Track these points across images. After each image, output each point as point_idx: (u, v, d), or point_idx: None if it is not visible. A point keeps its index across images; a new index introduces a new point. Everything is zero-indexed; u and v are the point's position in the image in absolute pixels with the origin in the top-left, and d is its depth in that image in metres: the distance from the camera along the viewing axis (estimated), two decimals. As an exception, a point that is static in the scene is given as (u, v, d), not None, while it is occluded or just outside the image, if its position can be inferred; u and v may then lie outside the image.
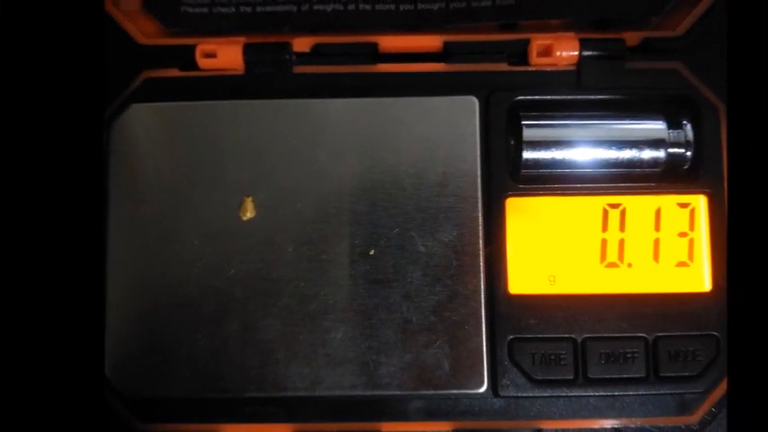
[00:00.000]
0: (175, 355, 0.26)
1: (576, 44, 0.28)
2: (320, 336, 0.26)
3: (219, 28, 0.28)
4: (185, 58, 0.28)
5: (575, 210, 0.27)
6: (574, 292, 0.27)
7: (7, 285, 0.22)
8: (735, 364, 0.23)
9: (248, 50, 0.28)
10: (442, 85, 0.28)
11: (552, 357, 0.26)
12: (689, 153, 0.27)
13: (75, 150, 0.23)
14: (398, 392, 0.26)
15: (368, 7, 0.28)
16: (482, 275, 0.26)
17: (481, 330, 0.26)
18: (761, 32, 0.23)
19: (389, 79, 0.28)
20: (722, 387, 0.26)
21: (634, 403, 0.26)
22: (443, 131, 0.27)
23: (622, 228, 0.27)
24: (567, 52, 0.28)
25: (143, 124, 0.28)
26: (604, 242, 0.27)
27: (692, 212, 0.27)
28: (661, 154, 0.27)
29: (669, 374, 0.26)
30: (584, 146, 0.27)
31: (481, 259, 0.26)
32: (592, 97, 0.28)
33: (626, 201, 0.27)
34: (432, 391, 0.26)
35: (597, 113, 0.28)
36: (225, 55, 0.28)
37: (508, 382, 0.26)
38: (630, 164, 0.27)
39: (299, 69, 0.28)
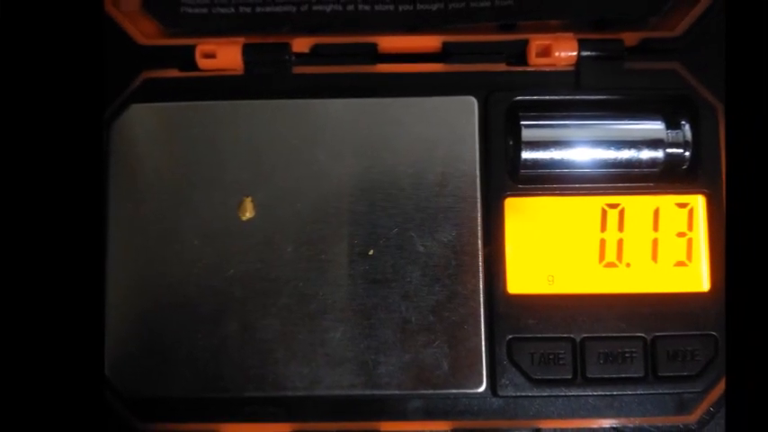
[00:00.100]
0: (175, 354, 0.26)
1: (575, 44, 0.28)
2: (319, 335, 0.26)
3: (219, 28, 0.28)
4: (185, 58, 0.28)
5: (573, 210, 0.27)
6: (572, 291, 0.27)
7: (7, 285, 0.22)
8: (733, 363, 0.23)
9: (248, 51, 0.28)
10: (440, 85, 0.28)
11: (551, 357, 0.26)
12: (687, 153, 0.27)
13: (76, 150, 0.23)
14: (397, 392, 0.26)
15: (367, 8, 0.28)
16: (481, 275, 0.26)
17: (480, 330, 0.26)
18: (759, 33, 0.23)
19: (389, 79, 0.28)
20: (720, 387, 0.26)
21: (632, 403, 0.26)
22: (442, 132, 0.27)
23: (621, 228, 0.27)
24: (565, 53, 0.28)
25: (143, 124, 0.28)
26: (603, 242, 0.27)
27: (691, 212, 0.27)
28: (659, 154, 0.27)
29: (667, 374, 0.26)
30: (582, 146, 0.27)
31: (480, 259, 0.27)
32: (590, 97, 0.28)
33: (624, 201, 0.27)
34: (431, 391, 0.26)
35: (596, 114, 0.28)
36: (224, 55, 0.28)
37: (507, 382, 0.26)
38: (629, 164, 0.27)
39: (298, 70, 0.28)
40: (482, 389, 0.26)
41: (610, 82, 0.28)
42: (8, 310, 0.22)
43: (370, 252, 0.27)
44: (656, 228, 0.27)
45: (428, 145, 0.27)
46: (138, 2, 0.29)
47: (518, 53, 0.28)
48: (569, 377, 0.26)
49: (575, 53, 0.28)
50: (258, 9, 0.28)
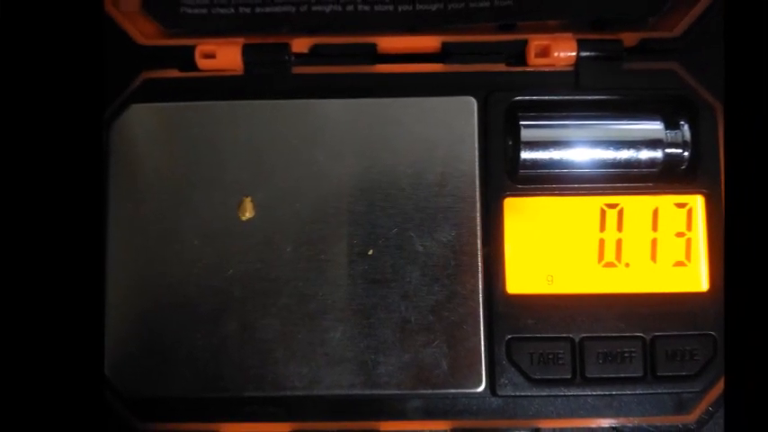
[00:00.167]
0: (175, 354, 0.26)
1: (574, 45, 0.28)
2: (319, 335, 0.26)
3: (219, 29, 0.28)
4: (185, 58, 0.28)
5: (572, 210, 0.27)
6: (571, 291, 0.27)
7: (7, 285, 0.22)
8: (732, 363, 0.23)
9: (247, 51, 0.28)
10: (440, 85, 0.28)
11: (550, 357, 0.26)
12: (686, 153, 0.27)
13: (75, 151, 0.23)
14: (397, 392, 0.26)
15: (366, 8, 0.28)
16: (480, 275, 0.26)
17: (479, 330, 0.26)
18: (758, 33, 0.23)
19: (388, 80, 0.28)
20: (719, 386, 0.26)
21: (631, 402, 0.26)
22: (442, 132, 0.27)
23: (620, 228, 0.27)
24: (564, 53, 0.28)
25: (143, 124, 0.28)
26: (602, 242, 0.27)
27: (690, 212, 0.27)
28: (658, 154, 0.27)
29: (666, 374, 0.26)
30: (581, 146, 0.27)
31: (479, 259, 0.27)
32: (589, 98, 0.28)
33: (623, 201, 0.27)
34: (430, 391, 0.26)
35: (595, 114, 0.28)
36: (224, 55, 0.28)
37: (506, 382, 0.26)
38: (628, 164, 0.27)
39: (297, 70, 0.28)
40: (481, 388, 0.26)
41: (609, 82, 0.28)
42: (8, 310, 0.22)
43: (370, 252, 0.27)
44: (654, 228, 0.27)
45: (427, 145, 0.27)
46: (138, 2, 0.29)
47: (517, 53, 0.28)
48: (568, 377, 0.26)
49: (574, 53, 0.28)
50: (258, 9, 0.28)
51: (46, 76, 0.23)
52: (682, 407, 0.27)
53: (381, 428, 0.27)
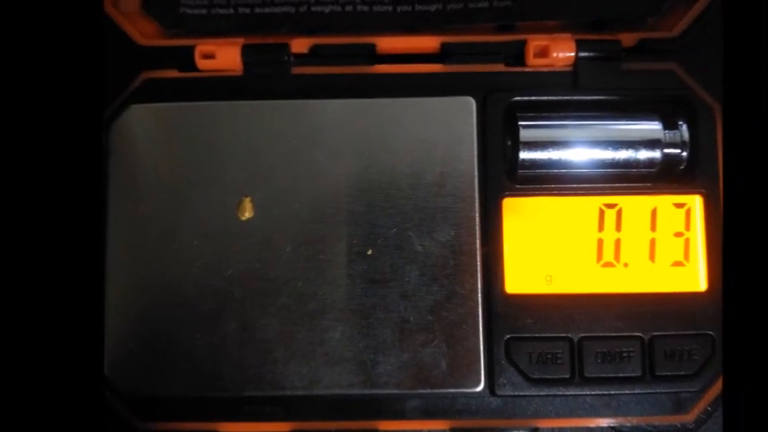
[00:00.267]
0: (174, 354, 0.26)
1: (573, 45, 0.28)
2: (318, 335, 0.26)
3: (218, 29, 0.29)
4: (184, 59, 0.28)
5: (571, 210, 0.27)
6: (570, 291, 0.27)
7: (7, 285, 0.22)
8: (730, 363, 0.23)
9: (247, 51, 0.28)
10: (439, 85, 0.28)
11: (549, 356, 0.26)
12: (685, 153, 0.27)
13: (75, 151, 0.23)
14: (396, 391, 0.26)
15: (365, 8, 0.28)
16: (479, 275, 0.27)
17: (478, 330, 0.26)
18: (757, 33, 0.23)
19: (387, 80, 0.28)
20: (718, 386, 0.26)
21: (630, 402, 0.27)
22: (441, 132, 0.27)
23: (618, 228, 0.27)
24: (563, 53, 0.28)
25: (142, 125, 0.28)
26: (601, 242, 0.27)
27: (688, 212, 0.27)
28: (657, 154, 0.27)
29: (665, 373, 0.26)
30: (580, 146, 0.27)
31: (478, 259, 0.27)
32: (588, 98, 0.28)
33: (622, 201, 0.27)
34: (429, 390, 0.26)
35: (593, 114, 0.28)
36: (223, 56, 0.28)
37: (505, 382, 0.26)
38: (627, 164, 0.27)
39: (297, 70, 0.28)
40: (480, 388, 0.26)
41: (607, 82, 0.28)
42: (8, 309, 0.22)
43: (369, 252, 0.27)
44: (653, 228, 0.27)
45: (426, 145, 0.27)
46: (138, 2, 0.29)
47: (516, 54, 0.28)
48: (567, 377, 0.26)
49: (572, 54, 0.28)
50: (257, 10, 0.29)
51: (46, 76, 0.23)
52: (680, 406, 0.27)
53: (380, 428, 0.27)
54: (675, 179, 0.28)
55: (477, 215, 0.27)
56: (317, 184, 0.27)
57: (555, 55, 0.28)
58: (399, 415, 0.27)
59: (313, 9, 0.28)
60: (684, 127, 0.28)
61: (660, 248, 0.27)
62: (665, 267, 0.27)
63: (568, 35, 0.28)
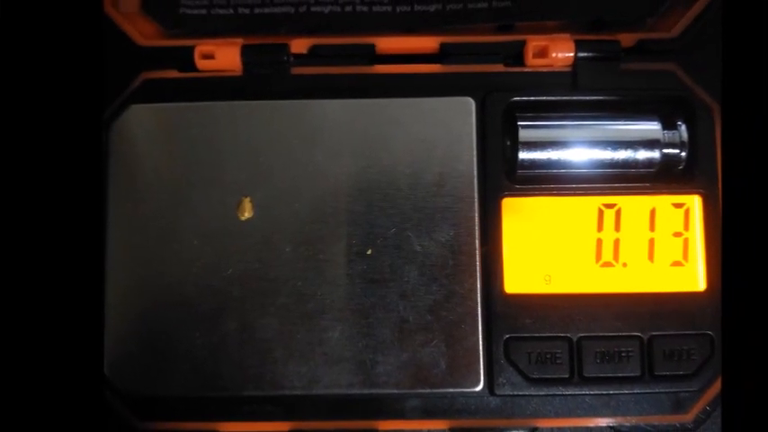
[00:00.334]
0: (174, 353, 0.26)
1: (572, 45, 0.28)
2: (318, 335, 0.26)
3: (218, 29, 0.29)
4: (184, 59, 0.28)
5: (570, 210, 0.27)
6: (569, 291, 0.27)
7: (7, 285, 0.22)
8: (729, 362, 0.23)
9: (246, 52, 0.28)
10: (438, 86, 0.28)
11: (548, 356, 0.27)
12: (683, 154, 0.28)
13: (75, 151, 0.23)
14: (395, 391, 0.26)
15: (365, 9, 0.28)
16: (478, 275, 0.27)
17: (477, 329, 0.26)
18: (756, 34, 0.23)
19: (386, 80, 0.28)
20: (716, 386, 0.26)
21: (629, 402, 0.27)
22: (440, 132, 0.27)
23: (617, 228, 0.27)
24: (562, 53, 0.28)
25: (142, 125, 0.28)
26: (600, 242, 0.27)
27: (687, 212, 0.27)
28: (656, 154, 0.27)
29: (664, 373, 0.26)
30: (579, 146, 0.27)
31: (477, 259, 0.27)
32: (587, 98, 0.28)
33: (621, 201, 0.27)
34: (428, 390, 0.26)
35: (593, 114, 0.28)
36: (223, 56, 0.28)
37: (504, 381, 0.26)
38: (626, 164, 0.27)
39: (296, 70, 0.28)
40: (479, 388, 0.26)
41: (606, 83, 0.28)
42: (8, 309, 0.22)
43: (368, 252, 0.27)
44: (652, 228, 0.27)
45: (426, 145, 0.27)
46: (138, 3, 0.29)
47: (515, 54, 0.28)
48: (566, 376, 0.26)
49: (572, 54, 0.28)
50: (257, 10, 0.29)
51: (46, 76, 0.23)
52: (679, 406, 0.27)
53: (380, 428, 0.27)
54: (674, 179, 0.28)
55: (476, 215, 0.27)
56: (316, 184, 0.27)
57: (554, 55, 0.28)
58: (399, 414, 0.27)
59: (312, 9, 0.28)
60: (683, 127, 0.28)
61: (659, 248, 0.27)
62: (663, 267, 0.27)
63: (567, 35, 0.28)
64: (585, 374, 0.26)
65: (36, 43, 0.23)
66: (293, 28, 0.29)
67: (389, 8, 0.29)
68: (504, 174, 0.27)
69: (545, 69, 0.28)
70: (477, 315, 0.26)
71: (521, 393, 0.26)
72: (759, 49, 0.23)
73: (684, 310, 0.27)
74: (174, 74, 0.28)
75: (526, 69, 0.28)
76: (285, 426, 0.27)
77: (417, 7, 0.29)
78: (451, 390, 0.26)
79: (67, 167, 0.23)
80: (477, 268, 0.27)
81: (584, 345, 0.26)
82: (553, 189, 0.27)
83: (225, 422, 0.27)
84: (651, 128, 0.27)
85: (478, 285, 0.27)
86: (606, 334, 0.27)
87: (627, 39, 0.28)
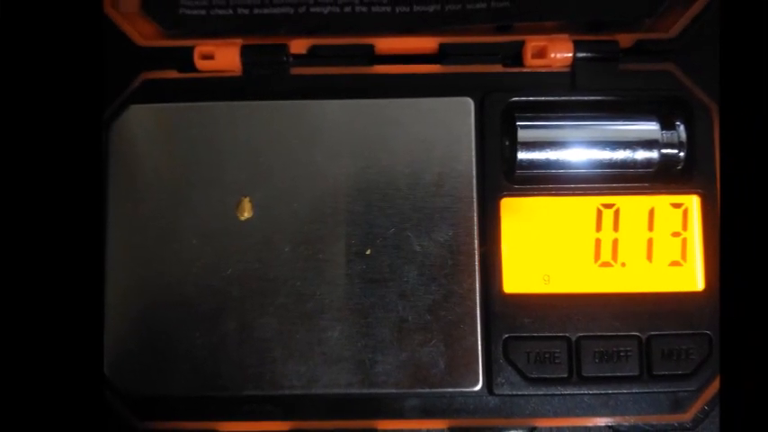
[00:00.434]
0: (174, 353, 0.26)
1: (570, 46, 0.28)
2: (317, 334, 0.26)
3: (217, 30, 0.29)
4: (183, 59, 0.28)
5: (569, 210, 0.27)
6: (568, 291, 0.27)
7: (7, 285, 0.22)
8: (727, 362, 0.23)
9: (246, 52, 0.28)
10: (437, 86, 0.28)
11: (547, 356, 0.27)
12: (682, 154, 0.28)
13: (75, 151, 0.23)
14: (394, 391, 0.26)
15: (364, 9, 0.29)
16: (477, 275, 0.27)
17: (476, 329, 0.26)
18: (754, 34, 0.23)
19: (385, 80, 0.28)
20: (715, 385, 0.27)
21: (628, 401, 0.27)
22: (439, 132, 0.27)
23: (616, 228, 0.27)
24: (561, 54, 0.28)
25: (142, 125, 0.28)
26: (598, 242, 0.27)
27: (685, 212, 0.27)
28: (654, 155, 0.27)
29: (662, 373, 0.26)
30: (578, 147, 0.27)
31: (476, 259, 0.27)
32: (586, 98, 0.28)
33: (620, 201, 0.28)
34: (427, 390, 0.26)
35: (591, 114, 0.28)
36: (222, 56, 0.28)
37: (503, 381, 0.26)
38: (624, 164, 0.27)
39: (296, 71, 0.28)
40: (478, 387, 0.26)
41: (605, 83, 0.28)
42: (8, 309, 0.22)
43: (368, 252, 0.27)
44: (650, 228, 0.27)
45: (425, 145, 0.27)
46: (137, 3, 0.29)
47: (514, 54, 0.28)
48: (565, 376, 0.27)
49: (570, 54, 0.28)
50: (256, 11, 0.29)
51: (46, 76, 0.23)
52: (677, 406, 0.27)
53: (379, 427, 0.27)
54: (673, 179, 0.28)
55: (475, 215, 0.27)
56: (315, 185, 0.27)
57: (553, 56, 0.28)
58: (398, 414, 0.27)
59: (312, 10, 0.28)
60: (682, 127, 0.28)
61: (657, 248, 0.27)
62: (662, 267, 0.27)
63: (566, 36, 0.28)
64: (584, 374, 0.26)
65: (36, 43, 0.23)
66: (292, 28, 0.29)
67: (388, 9, 0.29)
68: (503, 174, 0.28)
69: (544, 70, 0.28)
70: (475, 315, 0.26)
71: (519, 393, 0.27)
72: (757, 49, 0.23)
73: (683, 310, 0.27)
74: (173, 74, 0.28)
75: (525, 70, 0.28)
76: (284, 425, 0.27)
77: (416, 8, 0.29)
78: (450, 389, 0.26)
79: (68, 168, 0.23)
80: (476, 268, 0.27)
81: (583, 344, 0.27)
82: (552, 189, 0.28)
83: (224, 422, 0.27)
84: (649, 128, 0.27)
85: (477, 285, 0.27)
86: (605, 334, 0.27)
87: (625, 39, 0.28)
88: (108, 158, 0.27)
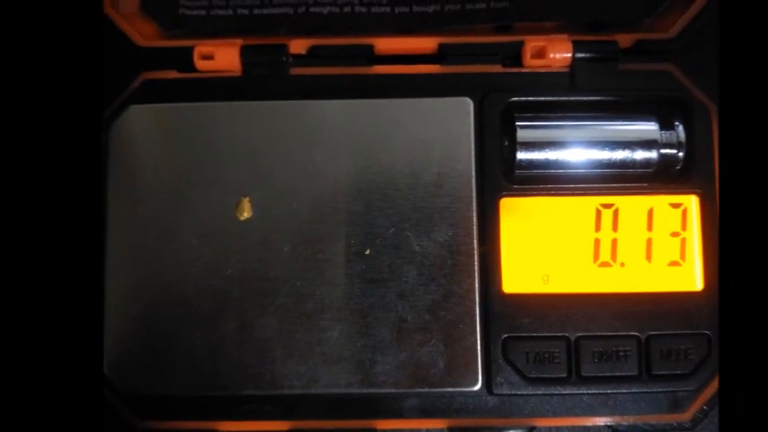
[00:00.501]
0: (173, 353, 0.26)
1: (570, 46, 0.28)
2: (316, 334, 0.26)
3: (217, 30, 0.29)
4: (183, 59, 0.28)
5: (568, 210, 0.28)
6: (567, 291, 0.27)
7: (7, 285, 0.22)
8: (726, 362, 0.23)
9: (245, 52, 0.28)
10: (436, 86, 0.28)
11: (546, 356, 0.27)
12: (681, 154, 0.28)
13: (75, 151, 0.23)
14: (394, 390, 0.26)
15: (363, 9, 0.29)
16: (476, 275, 0.27)
17: (476, 329, 0.26)
18: (753, 34, 0.23)
19: (385, 81, 0.28)
20: (714, 385, 0.27)
21: (627, 401, 0.27)
22: (438, 132, 0.27)
23: (615, 228, 0.27)
24: (560, 54, 0.28)
25: (141, 125, 0.28)
26: (597, 242, 0.27)
27: (684, 212, 0.27)
28: (653, 155, 0.27)
29: (661, 373, 0.26)
30: (577, 147, 0.27)
31: (476, 259, 0.27)
32: (585, 98, 0.28)
33: (619, 201, 0.28)
34: (427, 389, 0.26)
35: (590, 114, 0.28)
36: (222, 57, 0.28)
37: (502, 381, 0.27)
38: (623, 164, 0.27)
39: (295, 71, 0.28)
40: (478, 387, 0.26)
41: (604, 83, 0.28)
42: (8, 309, 0.22)
43: (367, 252, 0.27)
44: (650, 228, 0.27)
45: (424, 145, 0.27)
46: (137, 3, 0.29)
47: (513, 54, 0.28)
48: (564, 376, 0.27)
49: (569, 54, 0.28)
50: (256, 11, 0.29)
51: (45, 77, 0.23)
52: (676, 405, 0.27)
53: (378, 427, 0.27)
54: (672, 179, 0.28)
55: (474, 215, 0.27)
56: (315, 185, 0.27)
57: (552, 56, 0.28)
58: (397, 414, 0.27)
59: (311, 10, 0.29)
60: (681, 127, 0.28)
61: (656, 248, 0.27)
62: (661, 267, 0.27)
63: (565, 36, 0.28)
64: (583, 374, 0.26)
65: (36, 44, 0.23)
66: (292, 28, 0.29)
67: (388, 9, 0.29)
68: (503, 174, 0.28)
69: (543, 70, 0.28)
70: (475, 315, 0.26)
71: (519, 393, 0.27)
72: (756, 49, 0.23)
73: (682, 310, 0.27)
74: (173, 74, 0.28)
75: (524, 70, 0.28)
76: (284, 425, 0.27)
77: (416, 8, 0.29)
78: (450, 389, 0.26)
79: (67, 168, 0.23)
80: (476, 268, 0.27)
81: (582, 344, 0.27)
82: (551, 189, 0.28)
83: (224, 421, 0.27)
84: (649, 128, 0.27)
85: (477, 285, 0.27)
86: (604, 333, 0.27)
87: (624, 39, 0.28)
88: (108, 158, 0.27)
